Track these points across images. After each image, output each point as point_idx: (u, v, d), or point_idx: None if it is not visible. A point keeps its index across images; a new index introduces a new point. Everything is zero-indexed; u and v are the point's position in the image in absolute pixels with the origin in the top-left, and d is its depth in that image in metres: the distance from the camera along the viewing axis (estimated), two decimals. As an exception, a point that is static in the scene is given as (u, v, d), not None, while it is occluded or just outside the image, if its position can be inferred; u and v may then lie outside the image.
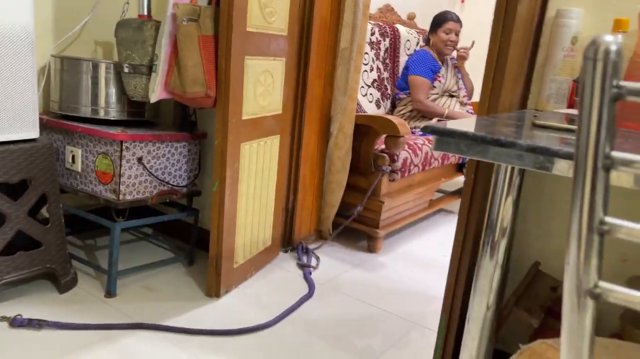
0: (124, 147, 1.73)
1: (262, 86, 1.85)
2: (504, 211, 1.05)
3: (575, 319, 0.45)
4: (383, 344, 1.67)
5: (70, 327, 1.58)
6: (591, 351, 0.45)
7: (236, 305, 1.82)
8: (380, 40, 3.25)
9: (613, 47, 0.38)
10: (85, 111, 1.85)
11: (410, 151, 2.50)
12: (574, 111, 1.23)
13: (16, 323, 1.55)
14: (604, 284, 0.44)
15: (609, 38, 0.38)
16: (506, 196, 1.03)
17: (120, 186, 1.75)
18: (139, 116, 1.93)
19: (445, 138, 0.84)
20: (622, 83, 0.38)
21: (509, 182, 1.03)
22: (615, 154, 0.41)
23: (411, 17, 3.95)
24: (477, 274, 1.06)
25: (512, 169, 1.01)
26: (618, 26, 1.18)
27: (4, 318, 1.58)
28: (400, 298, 2.00)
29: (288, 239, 2.34)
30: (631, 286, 1.04)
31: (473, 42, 3.17)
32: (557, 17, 1.27)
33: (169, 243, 2.27)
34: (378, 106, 3.16)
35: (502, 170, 1.02)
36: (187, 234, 2.18)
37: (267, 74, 1.87)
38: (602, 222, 0.42)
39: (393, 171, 2.39)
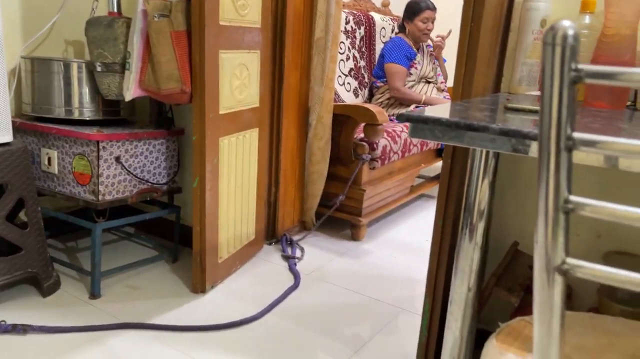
0: (100, 147, 1.71)
1: (238, 79, 1.85)
2: (481, 194, 1.06)
3: (546, 295, 0.46)
4: (371, 331, 1.69)
5: (55, 330, 1.56)
6: (562, 325, 0.47)
7: (222, 300, 1.82)
8: (355, 29, 3.24)
9: (570, 32, 0.39)
10: (59, 112, 1.82)
11: (389, 139, 2.51)
12: (546, 93, 1.25)
13: (0, 329, 1.54)
14: (571, 260, 0.46)
15: (566, 23, 0.39)
16: (482, 179, 1.05)
17: (99, 187, 1.73)
18: (114, 114, 1.91)
19: (420, 125, 0.86)
20: (580, 66, 0.40)
21: (485, 165, 1.05)
22: (577, 135, 0.42)
23: (385, 5, 3.95)
24: (457, 257, 1.08)
25: (487, 152, 1.02)
26: (585, 7, 1.20)
27: (-13, 325, 1.56)
28: (386, 284, 2.02)
29: (272, 232, 2.35)
30: (606, 261, 1.08)
31: (450, 31, 3.19)
32: (526, 0, 1.29)
33: (152, 241, 2.26)
34: (356, 95, 3.16)
35: (477, 154, 1.04)
36: (169, 232, 2.18)
37: (243, 67, 1.86)
38: (567, 201, 0.44)
39: (373, 159, 2.40)
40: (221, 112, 1.77)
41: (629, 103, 1.14)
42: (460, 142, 0.82)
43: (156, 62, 1.60)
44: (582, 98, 1.15)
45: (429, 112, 0.87)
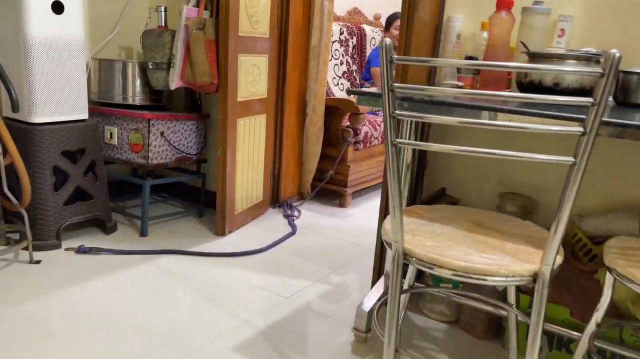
0: (151, 124, 2.34)
1: (252, 76, 2.47)
2: (407, 152, 1.68)
3: (392, 163, 1.06)
4: (346, 260, 2.30)
5: (119, 252, 2.19)
6: (398, 184, 1.07)
7: (238, 240, 2.44)
8: (348, 39, 3.87)
9: (387, 42, 0.99)
10: (118, 99, 2.45)
11: (370, 127, 3.13)
12: (457, 82, 1.86)
13: (81, 250, 2.16)
14: (399, 139, 1.05)
15: (387, 40, 1.00)
16: (408, 138, 1.66)
17: (149, 153, 2.36)
18: (158, 102, 2.55)
19: (362, 97, 1.47)
20: (393, 56, 0.99)
21: (410, 128, 1.66)
22: (398, 112, 1.03)
23: (377, 18, 4.58)
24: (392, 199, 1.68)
25: (411, 121, 1.63)
26: (483, 26, 1.82)
27: (71, 248, 2.18)
28: (361, 234, 2.63)
29: (275, 198, 2.97)
30: (500, 198, 1.69)
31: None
32: (448, 21, 1.90)
33: (182, 203, 2.89)
34: (348, 94, 3.78)
35: (404, 123, 1.65)
36: (195, 197, 2.80)
37: (255, 67, 2.49)
38: (394, 142, 1.04)
39: (357, 142, 3.02)
40: (239, 99, 2.40)
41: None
42: (378, 105, 1.43)
43: (194, 62, 2.23)
44: (479, 87, 1.76)
45: (366, 89, 1.48)
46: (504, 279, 1.06)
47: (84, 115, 2.26)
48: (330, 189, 3.09)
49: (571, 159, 0.96)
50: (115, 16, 2.62)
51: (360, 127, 3.03)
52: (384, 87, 1.04)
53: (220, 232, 2.47)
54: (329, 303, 1.91)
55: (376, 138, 3.18)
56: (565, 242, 1.70)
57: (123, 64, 2.43)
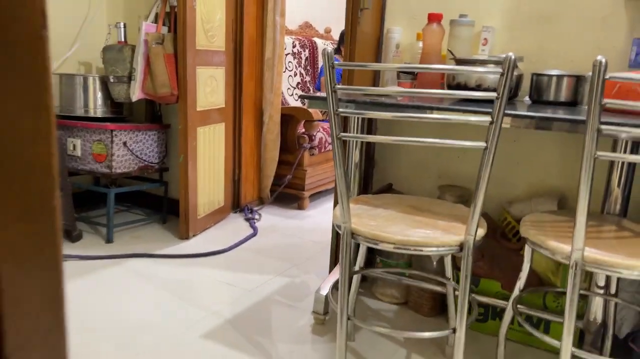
0: (113, 135, 2.44)
1: (209, 87, 2.62)
2: (355, 152, 1.86)
3: (337, 151, 1.24)
4: (305, 256, 2.46)
5: (87, 258, 2.28)
6: (344, 173, 1.25)
7: (201, 243, 2.56)
8: (301, 51, 4.07)
9: (329, 50, 1.17)
10: (80, 112, 2.55)
11: (325, 133, 3.32)
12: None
13: (49, 257, 2.23)
14: (343, 134, 1.23)
15: (329, 48, 1.17)
16: (355, 142, 1.85)
17: (113, 163, 2.46)
18: (119, 114, 2.65)
19: (312, 100, 1.65)
20: (335, 62, 1.17)
21: (356, 128, 1.85)
22: (341, 110, 1.21)
23: (327, 31, 4.81)
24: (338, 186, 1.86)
25: (358, 120, 1.82)
26: (418, 37, 2.03)
27: (38, 256, 2.25)
28: (319, 233, 2.80)
29: (236, 203, 3.10)
30: (440, 190, 1.89)
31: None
32: (388, 32, 2.11)
33: (145, 211, 2.98)
34: (302, 104, 3.97)
35: (351, 120, 1.84)
36: (157, 205, 2.90)
37: (212, 79, 2.64)
38: (338, 136, 1.22)
39: (312, 147, 3.20)
40: (198, 109, 2.54)
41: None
42: (325, 107, 1.61)
43: (154, 74, 2.36)
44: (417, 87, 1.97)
45: (316, 94, 1.66)
46: (435, 249, 1.25)
47: (48, 128, 2.34)
48: (288, 193, 3.25)
49: (483, 144, 1.16)
50: (74, 33, 2.71)
51: (314, 134, 3.21)
52: (327, 89, 1.22)
53: (184, 236, 2.59)
54: (290, 292, 2.07)
55: (330, 144, 3.37)
56: (496, 225, 1.92)
57: (84, 78, 2.53)
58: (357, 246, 1.74)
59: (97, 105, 2.57)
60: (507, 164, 1.98)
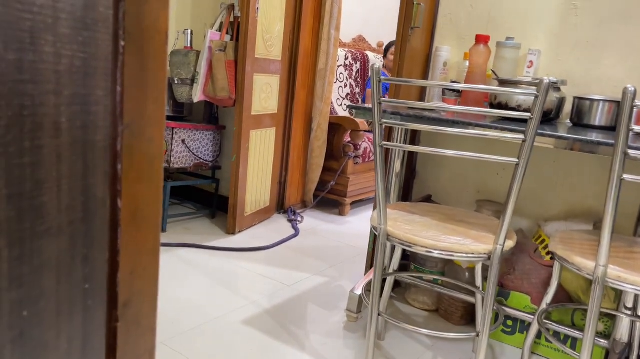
0: (174, 132, 2.64)
1: (265, 93, 2.79)
2: (396, 162, 1.97)
3: (378, 163, 1.35)
4: (343, 258, 2.57)
5: (142, 244, 2.47)
6: (383, 179, 1.36)
7: (247, 238, 2.72)
8: (352, 64, 4.20)
9: (377, 66, 1.28)
10: (146, 110, 2.76)
11: (370, 143, 3.43)
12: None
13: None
14: (385, 142, 1.34)
15: (377, 64, 1.28)
16: (397, 152, 1.96)
17: (171, 158, 2.66)
18: (180, 113, 2.86)
19: (358, 110, 1.77)
20: (382, 76, 1.29)
21: (400, 139, 1.95)
22: (384, 121, 1.32)
23: (380, 45, 4.92)
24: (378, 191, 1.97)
25: (402, 132, 1.93)
26: (465, 56, 2.13)
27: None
28: (357, 239, 2.90)
29: (281, 205, 3.25)
30: (478, 205, 1.98)
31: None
32: (436, 51, 2.21)
33: (196, 205, 3.18)
34: (351, 114, 4.09)
35: (395, 132, 1.95)
36: (208, 201, 3.09)
37: (268, 86, 2.81)
38: (380, 144, 1.33)
39: (356, 156, 3.32)
40: (252, 113, 2.70)
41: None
42: (370, 118, 1.73)
43: (215, 79, 2.55)
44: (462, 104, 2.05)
45: (362, 105, 1.78)
46: (465, 255, 1.34)
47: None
48: (331, 198, 3.38)
49: (515, 159, 1.25)
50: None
51: (360, 143, 3.33)
52: (373, 101, 1.33)
53: (231, 231, 2.75)
54: (326, 291, 2.18)
55: (374, 154, 3.48)
56: (530, 243, 1.98)
57: (151, 78, 2.74)
58: (393, 250, 1.85)
59: (160, 104, 2.78)
60: (545, 184, 2.03)
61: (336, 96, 3.89)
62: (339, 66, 3.96)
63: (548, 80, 1.17)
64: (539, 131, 1.25)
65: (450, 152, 1.31)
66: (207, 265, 2.32)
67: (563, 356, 1.78)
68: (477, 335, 1.38)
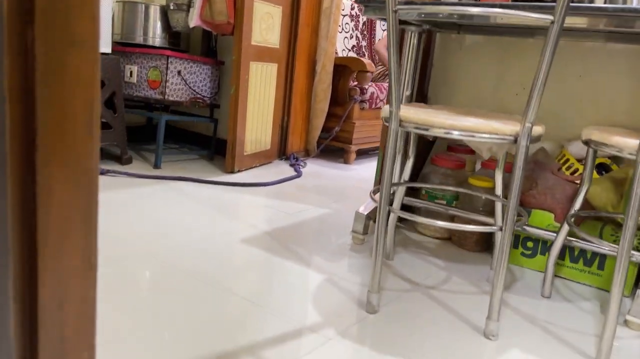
0: (169, 62, 2.48)
1: (265, 23, 2.62)
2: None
3: (391, 29, 1.19)
4: (347, 195, 2.42)
5: (135, 176, 2.32)
6: (396, 53, 1.20)
7: (246, 177, 2.56)
8: (359, 15, 4.02)
9: None
10: (139, 39, 2.60)
11: (377, 88, 3.26)
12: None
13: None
14: (401, 7, 1.19)
15: None
16: (412, 56, 1.79)
17: (166, 89, 2.50)
18: (176, 45, 2.69)
19: (368, 5, 1.61)
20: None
21: (413, 46, 1.79)
22: None
23: (387, 1, 4.73)
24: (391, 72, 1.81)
25: (413, 36, 1.76)
26: None
27: (89, 170, 2.31)
28: (363, 182, 2.75)
29: (283, 151, 3.09)
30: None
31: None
32: None
33: (193, 148, 3.02)
34: (360, 11, 3.92)
35: (407, 37, 1.78)
36: (206, 144, 2.93)
37: (269, 15, 2.64)
38: (394, 8, 1.18)
39: (363, 101, 3.15)
40: (252, 43, 2.54)
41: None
42: (383, 14, 1.56)
43: (212, 1, 2.38)
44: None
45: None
46: (488, 136, 1.18)
47: (108, 49, 2.40)
48: (335, 146, 3.22)
49: (550, 17, 1.08)
50: (140, -35, 2.78)
51: (366, 87, 3.16)
52: (388, 8, 1.18)
53: (230, 169, 2.60)
54: (330, 220, 2.03)
55: (382, 100, 3.31)
56: (553, 162, 1.81)
57: (145, 6, 2.58)
58: (405, 159, 1.69)
59: (155, 34, 2.62)
60: (569, 101, 1.87)
61: (341, 47, 3.72)
62: (344, 16, 3.78)
63: None
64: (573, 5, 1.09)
65: (473, 12, 1.14)
66: (203, 195, 2.17)
67: (590, 277, 1.62)
68: (501, 229, 1.23)
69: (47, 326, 0.43)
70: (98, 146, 0.44)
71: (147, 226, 1.75)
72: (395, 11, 1.20)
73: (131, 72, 2.59)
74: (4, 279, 0.40)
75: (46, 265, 0.42)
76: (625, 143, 1.15)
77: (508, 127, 1.18)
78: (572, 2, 1.46)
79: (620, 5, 1.24)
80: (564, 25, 1.14)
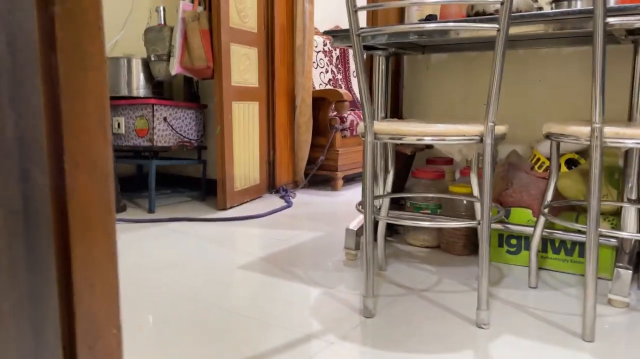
0: (155, 109, 2.60)
1: (243, 65, 2.76)
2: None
3: (356, 51, 1.31)
4: (337, 220, 2.50)
5: (130, 221, 2.39)
6: (365, 75, 1.32)
7: (239, 212, 2.64)
8: (331, 50, 4.21)
9: None
10: (124, 92, 2.72)
11: (356, 116, 3.40)
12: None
13: (95, 220, 2.36)
14: (361, 29, 1.31)
15: None
16: (381, 77, 1.92)
17: (154, 136, 2.60)
18: (160, 94, 2.82)
19: (336, 36, 1.74)
20: (356, 5, 1.27)
21: (382, 70, 1.92)
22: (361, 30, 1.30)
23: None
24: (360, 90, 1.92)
25: (380, 60, 1.89)
26: None
27: (85, 220, 2.38)
28: (350, 204, 2.84)
29: (272, 184, 3.19)
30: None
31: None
32: None
33: (184, 190, 3.10)
34: (324, 34, 4.07)
35: (375, 60, 1.91)
36: (197, 185, 3.02)
37: (246, 57, 2.78)
38: (357, 32, 1.31)
39: (344, 129, 3.28)
40: (233, 84, 2.67)
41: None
42: (349, 43, 1.69)
43: (191, 48, 2.52)
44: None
45: (340, 29, 1.75)
46: (457, 138, 1.29)
47: (95, 103, 2.51)
48: (322, 174, 3.32)
49: (496, 26, 1.21)
50: (119, 21, 2.93)
51: (345, 115, 3.29)
52: (352, 32, 1.31)
53: (222, 206, 2.68)
54: (323, 241, 2.11)
55: (362, 127, 3.44)
56: (525, 162, 1.93)
57: (127, 59, 2.71)
58: (386, 172, 1.78)
59: (139, 85, 2.74)
60: (533, 105, 2.00)
61: (318, 82, 3.88)
62: (318, 52, 3.96)
63: None
64: (514, 14, 1.22)
65: (431, 27, 1.26)
66: (199, 232, 2.24)
67: (572, 265, 1.71)
68: (479, 223, 1.32)
69: (82, 305, 0.51)
70: (111, 153, 0.53)
71: (147, 262, 1.81)
72: (359, 35, 1.33)
73: (119, 124, 2.70)
74: (48, 268, 0.48)
75: (76, 254, 0.50)
76: (580, 131, 1.26)
77: (473, 129, 1.29)
78: (520, 12, 1.61)
79: (560, 10, 1.37)
80: (520, 34, 1.27)
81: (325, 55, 4.11)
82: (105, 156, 0.53)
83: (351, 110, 3.46)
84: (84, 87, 0.49)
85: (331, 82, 4.09)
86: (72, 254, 0.51)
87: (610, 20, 1.28)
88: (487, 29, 1.22)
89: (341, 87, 4.18)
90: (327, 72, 4.09)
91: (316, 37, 3.88)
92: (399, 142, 1.33)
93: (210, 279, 1.66)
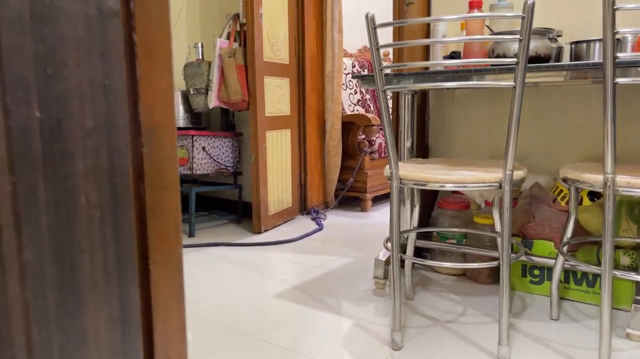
0: (194, 140, 2.76)
1: (276, 95, 2.91)
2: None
3: (383, 107, 1.43)
4: (366, 244, 2.61)
5: (172, 246, 2.55)
6: (389, 125, 1.43)
7: (273, 236, 2.78)
8: (360, 71, 4.33)
9: (371, 14, 1.38)
10: (166, 123, 2.90)
11: (384, 139, 3.50)
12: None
13: (140, 245, 2.54)
14: (387, 85, 1.42)
15: (370, 12, 1.39)
16: (407, 112, 2.03)
17: (194, 165, 2.77)
18: (198, 124, 2.99)
19: (363, 80, 1.86)
20: (379, 45, 1.38)
21: (405, 103, 2.03)
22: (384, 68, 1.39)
23: (385, 54, 5.05)
24: (386, 137, 2.03)
25: (406, 97, 2.00)
26: (462, 26, 2.21)
27: (131, 246, 2.56)
28: (382, 228, 2.94)
29: (303, 206, 3.32)
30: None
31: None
32: (434, 25, 2.30)
33: (221, 214, 3.27)
34: (353, 78, 4.18)
35: (402, 97, 2.02)
36: (233, 209, 3.17)
37: (278, 88, 2.93)
38: (382, 88, 1.42)
39: (372, 152, 3.39)
40: (266, 114, 2.82)
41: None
42: (373, 85, 1.81)
43: (227, 83, 2.68)
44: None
45: (366, 75, 1.87)
46: (477, 185, 1.39)
47: (139, 135, 2.70)
48: (352, 196, 3.43)
49: (512, 83, 1.31)
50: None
51: (374, 139, 3.40)
52: (375, 67, 1.42)
53: (257, 230, 2.82)
54: (353, 268, 2.22)
55: (390, 149, 3.54)
56: (548, 194, 2.00)
57: (168, 93, 2.89)
58: (412, 210, 1.89)
59: (179, 116, 2.92)
60: (556, 137, 2.07)
61: (347, 102, 4.00)
62: (347, 74, 4.08)
63: (531, 1, 1.24)
64: (531, 65, 1.31)
65: (450, 85, 1.37)
66: (236, 258, 2.39)
67: (594, 296, 1.77)
68: (498, 264, 1.41)
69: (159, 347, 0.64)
70: (181, 243, 0.66)
71: (188, 289, 1.96)
72: (384, 91, 1.44)
73: (161, 153, 2.87)
74: (135, 325, 0.62)
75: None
76: (594, 179, 1.34)
77: (492, 176, 1.39)
78: (539, 55, 1.70)
79: (574, 62, 1.46)
80: (538, 82, 1.36)
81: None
82: (178, 246, 0.66)
83: (380, 129, 3.56)
84: (165, 205, 0.62)
85: (360, 103, 4.21)
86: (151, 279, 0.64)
87: (620, 80, 1.35)
88: (504, 86, 1.32)
89: (370, 108, 4.29)
90: (356, 93, 4.20)
91: (345, 60, 4.00)
92: (423, 188, 1.44)
93: (247, 308, 1.79)
